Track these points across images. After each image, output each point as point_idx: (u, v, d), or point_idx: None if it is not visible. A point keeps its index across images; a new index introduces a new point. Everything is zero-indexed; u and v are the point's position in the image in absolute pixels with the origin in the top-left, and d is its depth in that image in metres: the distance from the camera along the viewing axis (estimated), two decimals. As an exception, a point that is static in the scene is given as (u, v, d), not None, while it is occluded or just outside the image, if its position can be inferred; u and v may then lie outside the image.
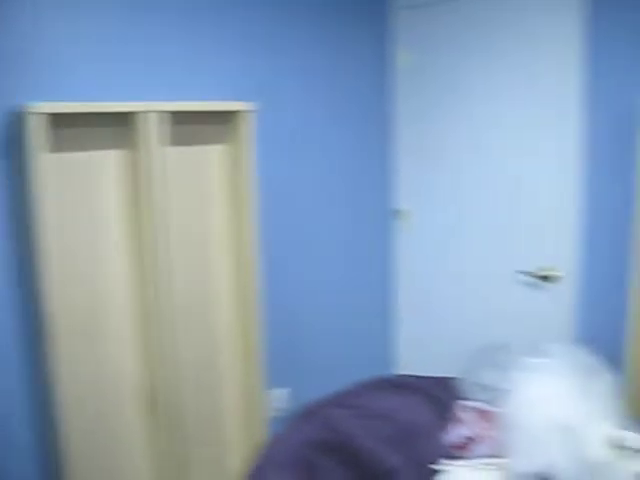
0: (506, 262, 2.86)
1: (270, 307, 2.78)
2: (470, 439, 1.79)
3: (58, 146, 2.13)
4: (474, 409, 1.89)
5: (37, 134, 1.99)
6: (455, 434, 1.83)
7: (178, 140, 2.42)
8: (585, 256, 2.61)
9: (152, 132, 2.27)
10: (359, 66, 3.04)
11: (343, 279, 3.13)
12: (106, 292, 2.35)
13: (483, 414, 1.85)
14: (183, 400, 2.49)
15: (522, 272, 2.78)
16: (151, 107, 2.26)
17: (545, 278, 2.72)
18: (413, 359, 3.33)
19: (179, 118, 2.39)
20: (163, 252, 2.35)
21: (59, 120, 2.10)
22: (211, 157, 2.57)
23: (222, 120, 2.54)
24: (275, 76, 2.73)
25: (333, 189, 3.03)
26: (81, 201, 2.26)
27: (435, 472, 1.67)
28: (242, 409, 2.75)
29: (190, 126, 2.47)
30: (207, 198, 2.58)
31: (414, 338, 3.33)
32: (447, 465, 1.68)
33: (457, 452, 1.78)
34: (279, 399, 2.89)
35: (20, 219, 2.13)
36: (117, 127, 2.27)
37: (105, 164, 2.28)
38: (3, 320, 2.15)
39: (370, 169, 3.16)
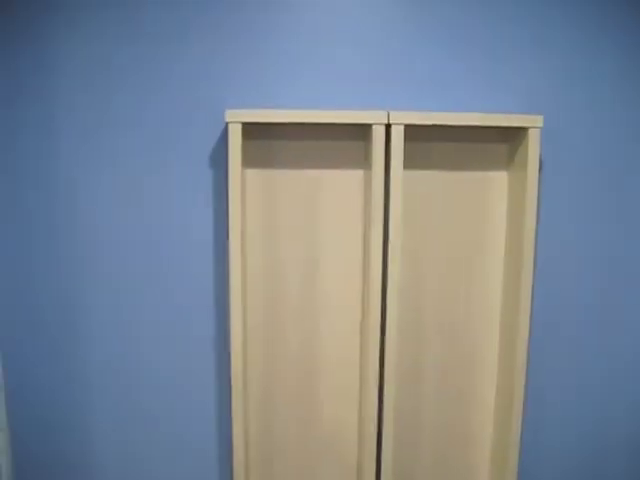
0: None
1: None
2: None
3: (270, 160, 1.81)
4: None
5: (234, 145, 1.68)
6: None
7: (424, 161, 1.90)
8: None
9: (395, 149, 1.76)
10: None
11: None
12: (322, 340, 1.95)
13: None
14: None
15: None
16: (395, 118, 1.75)
17: None
18: None
19: (426, 133, 1.86)
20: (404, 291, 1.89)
21: (273, 131, 1.79)
22: (471, 186, 1.93)
23: (489, 139, 1.91)
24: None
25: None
26: (288, 228, 1.88)
27: None
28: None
29: (441, 144, 1.90)
30: (465, 242, 1.96)
31: None
32: None
33: None
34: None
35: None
36: (346, 141, 1.85)
37: (326, 184, 1.87)
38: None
39: None
